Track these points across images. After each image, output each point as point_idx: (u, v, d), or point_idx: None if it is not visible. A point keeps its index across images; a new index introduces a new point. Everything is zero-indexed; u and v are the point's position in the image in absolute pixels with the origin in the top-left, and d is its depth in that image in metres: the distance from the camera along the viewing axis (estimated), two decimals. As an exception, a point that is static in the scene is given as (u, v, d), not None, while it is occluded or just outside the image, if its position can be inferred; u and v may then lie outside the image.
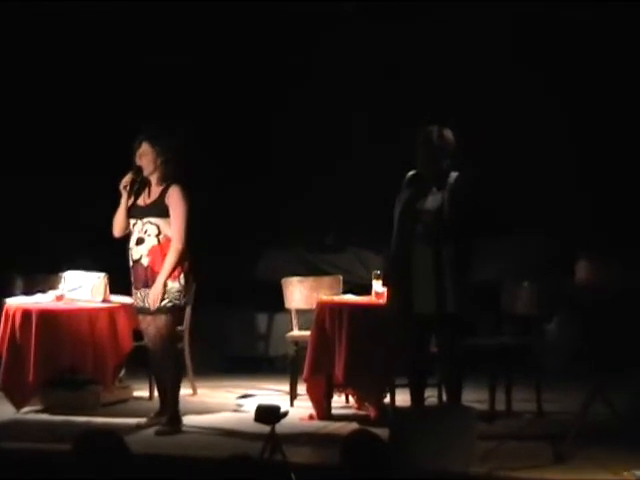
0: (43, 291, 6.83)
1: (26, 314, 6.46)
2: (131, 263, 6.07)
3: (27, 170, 8.49)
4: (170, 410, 6.07)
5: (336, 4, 8.46)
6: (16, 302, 6.67)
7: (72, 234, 8.13)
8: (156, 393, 6.45)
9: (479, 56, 8.12)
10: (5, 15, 8.31)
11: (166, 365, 6.08)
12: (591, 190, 7.97)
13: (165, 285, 5.96)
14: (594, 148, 7.97)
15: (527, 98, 8.05)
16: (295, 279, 7.17)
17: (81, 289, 6.71)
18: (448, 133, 5.72)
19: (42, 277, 7.09)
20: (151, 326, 6.05)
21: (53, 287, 6.80)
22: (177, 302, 6.01)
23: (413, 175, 5.76)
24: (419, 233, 5.59)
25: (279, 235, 8.60)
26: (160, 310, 5.98)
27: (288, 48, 8.47)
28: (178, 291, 6.00)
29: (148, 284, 6.00)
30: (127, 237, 6.11)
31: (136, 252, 6.04)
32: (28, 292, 6.95)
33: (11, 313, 6.51)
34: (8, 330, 6.47)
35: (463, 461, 5.11)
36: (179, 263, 5.99)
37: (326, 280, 7.20)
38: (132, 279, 6.09)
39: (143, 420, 6.13)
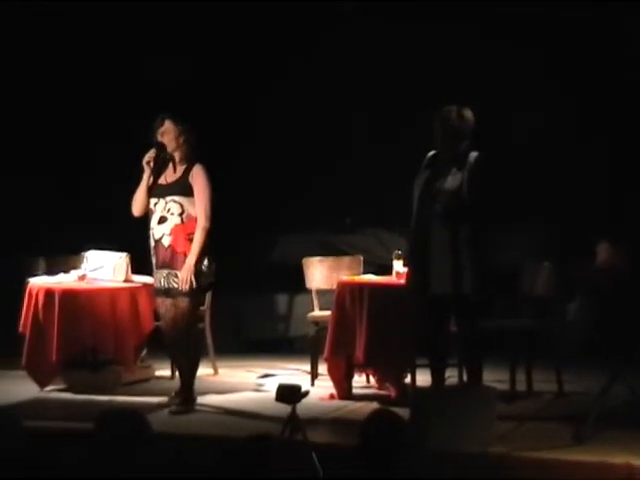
0: (66, 271, 6.88)
1: (49, 294, 6.50)
2: (153, 243, 6.04)
3: (44, 165, 8.55)
4: (185, 390, 6.07)
5: (336, 4, 8.42)
6: (39, 282, 6.72)
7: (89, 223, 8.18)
8: (177, 372, 6.47)
9: (480, 54, 8.08)
10: (5, 15, 8.31)
11: (185, 345, 6.08)
12: (609, 176, 7.95)
13: (195, 266, 5.94)
14: (611, 135, 7.95)
15: (535, 97, 8.02)
16: (316, 259, 7.19)
17: (103, 269, 6.74)
18: (468, 113, 5.70)
19: (64, 257, 7.13)
20: (169, 308, 6.01)
21: (75, 267, 6.85)
22: (201, 283, 6.01)
23: (432, 156, 5.75)
24: (437, 213, 5.59)
25: (298, 218, 8.61)
26: (184, 291, 5.97)
27: (288, 48, 8.45)
28: (202, 272, 6.01)
29: (168, 264, 5.98)
30: (146, 217, 6.09)
31: (158, 231, 6.01)
32: (51, 272, 7.00)
33: (34, 293, 6.56)
34: (31, 310, 6.53)
35: (483, 441, 5.12)
36: (206, 243, 5.98)
37: (346, 260, 7.21)
38: (153, 259, 6.08)
39: (165, 399, 6.16)
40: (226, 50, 8.60)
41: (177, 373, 6.35)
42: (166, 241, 6.00)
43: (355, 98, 8.41)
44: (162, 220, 6.01)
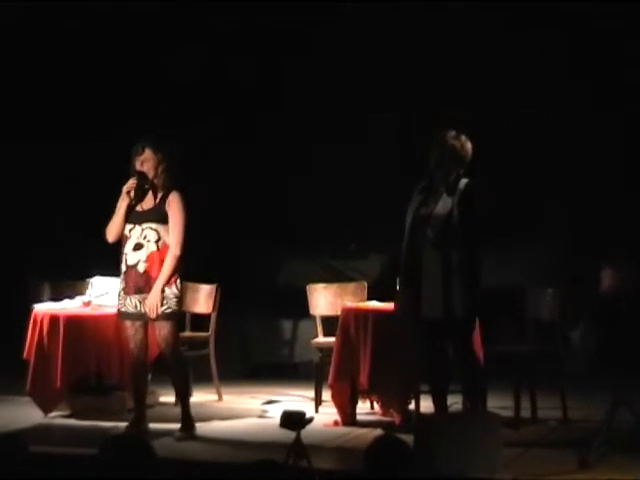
0: (70, 297, 6.89)
1: (54, 320, 6.51)
2: (124, 268, 6.03)
3: (50, 176, 8.57)
4: (184, 415, 6.06)
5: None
6: (44, 308, 6.73)
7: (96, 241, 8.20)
8: (176, 399, 6.48)
9: (483, 55, 8.12)
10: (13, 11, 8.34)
11: (171, 372, 6.10)
12: (616, 197, 7.96)
13: (162, 291, 5.97)
14: (617, 155, 7.96)
15: (548, 107, 8.04)
16: (320, 285, 7.20)
17: (108, 295, 6.75)
18: (467, 140, 5.73)
19: (69, 283, 7.16)
20: (139, 329, 6.04)
21: (80, 293, 6.87)
22: (175, 308, 6.01)
23: (425, 184, 5.78)
24: (429, 238, 5.61)
25: (302, 242, 8.63)
26: (161, 317, 5.98)
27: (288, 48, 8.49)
28: (176, 297, 5.99)
29: (143, 290, 5.98)
30: (120, 243, 6.07)
31: (132, 258, 6.01)
32: (56, 298, 7.01)
33: (39, 319, 6.57)
34: (36, 336, 6.53)
35: (488, 467, 5.11)
36: (176, 270, 5.99)
37: (351, 286, 7.22)
38: (122, 285, 6.05)
39: (122, 429, 6.05)
40: (232, 55, 8.63)
41: (135, 397, 6.18)
42: (141, 267, 6.01)
43: (369, 99, 8.44)
44: (138, 247, 6.02)
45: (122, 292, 6.06)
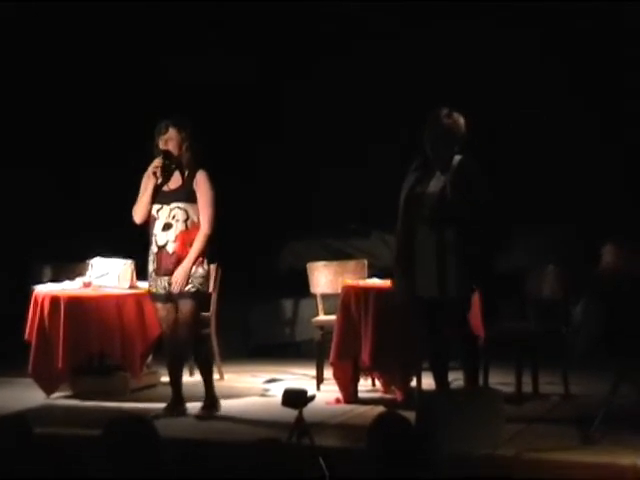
0: (71, 278, 6.89)
1: (55, 301, 6.51)
2: (155, 249, 6.02)
3: (51, 165, 8.57)
4: (209, 394, 6.07)
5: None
6: (45, 289, 6.73)
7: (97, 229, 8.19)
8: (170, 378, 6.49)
9: (483, 55, 8.10)
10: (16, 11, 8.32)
11: (193, 351, 6.09)
12: (618, 179, 7.96)
13: (189, 270, 5.95)
14: (621, 138, 7.95)
15: (549, 96, 8.01)
16: (320, 264, 7.20)
17: (108, 276, 6.75)
18: (459, 117, 5.69)
19: (70, 264, 7.14)
20: (170, 310, 6.03)
21: (81, 274, 6.87)
22: (201, 287, 5.99)
23: (420, 161, 5.75)
24: (422, 216, 5.59)
25: (304, 223, 8.62)
26: (184, 295, 5.96)
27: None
28: (202, 276, 5.98)
29: (172, 271, 5.95)
30: (146, 223, 6.06)
31: (162, 238, 5.99)
32: (56, 279, 7.01)
33: (40, 300, 6.57)
34: (37, 317, 6.54)
35: (490, 443, 5.12)
36: (206, 249, 5.99)
37: (351, 264, 7.22)
38: (153, 266, 6.02)
39: (160, 411, 6.03)
40: (243, 52, 8.61)
41: (171, 378, 6.18)
42: (170, 248, 5.99)
43: (362, 101, 8.42)
44: (167, 227, 5.99)
45: (153, 273, 6.03)
